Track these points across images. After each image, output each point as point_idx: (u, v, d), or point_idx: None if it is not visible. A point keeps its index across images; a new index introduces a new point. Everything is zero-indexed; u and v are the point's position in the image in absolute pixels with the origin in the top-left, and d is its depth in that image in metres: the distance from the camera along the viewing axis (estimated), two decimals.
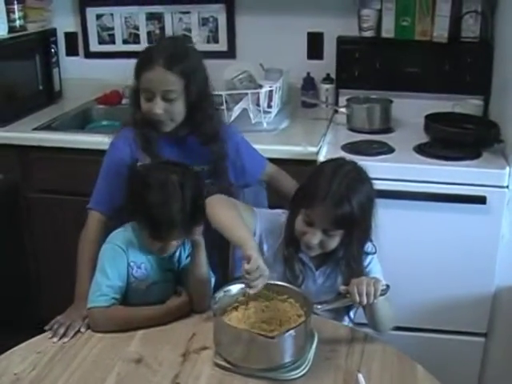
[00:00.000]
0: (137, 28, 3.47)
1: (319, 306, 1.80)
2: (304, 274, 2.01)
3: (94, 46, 3.54)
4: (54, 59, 3.39)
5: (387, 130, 2.92)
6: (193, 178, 1.95)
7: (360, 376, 1.66)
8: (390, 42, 3.04)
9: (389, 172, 2.53)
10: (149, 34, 3.46)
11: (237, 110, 2.87)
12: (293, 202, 2.00)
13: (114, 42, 3.52)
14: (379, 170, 2.52)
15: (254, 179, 2.40)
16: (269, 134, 2.84)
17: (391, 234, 2.48)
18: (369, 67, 3.07)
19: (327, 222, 1.87)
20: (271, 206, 2.38)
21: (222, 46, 3.38)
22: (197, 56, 2.21)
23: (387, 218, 2.48)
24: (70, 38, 3.55)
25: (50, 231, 2.99)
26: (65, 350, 1.82)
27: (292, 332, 1.66)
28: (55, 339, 1.85)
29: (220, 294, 1.82)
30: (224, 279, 2.14)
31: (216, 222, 1.95)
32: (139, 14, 3.45)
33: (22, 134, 2.96)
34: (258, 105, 2.89)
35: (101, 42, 3.53)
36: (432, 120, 2.78)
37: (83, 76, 3.51)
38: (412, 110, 2.94)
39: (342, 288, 1.80)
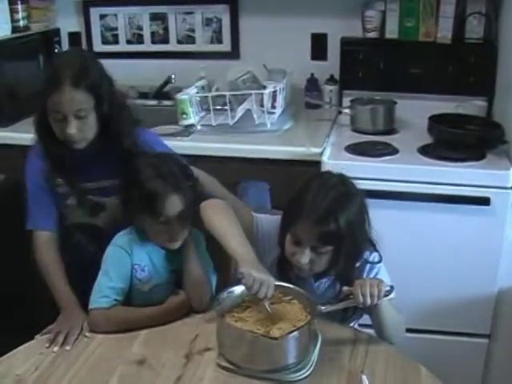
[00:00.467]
0: (140, 28, 3.46)
1: (323, 307, 1.78)
2: (300, 283, 1.97)
3: (98, 46, 3.54)
4: None
5: (391, 131, 2.92)
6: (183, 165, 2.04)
7: (364, 377, 1.65)
8: (393, 43, 3.03)
9: (393, 173, 2.54)
10: (152, 34, 3.45)
11: (240, 111, 2.87)
12: (281, 221, 1.94)
13: (117, 42, 3.51)
14: (383, 171, 2.54)
15: None
16: (272, 135, 2.84)
17: (394, 235, 2.49)
18: (372, 68, 3.07)
19: (313, 239, 1.82)
20: (275, 207, 2.37)
21: (225, 46, 3.38)
22: (98, 66, 2.13)
23: (391, 220, 2.51)
24: (74, 38, 3.55)
25: None
26: (67, 351, 1.82)
27: (295, 333, 1.65)
28: (56, 348, 1.82)
29: (223, 295, 1.82)
30: (224, 279, 2.13)
31: (211, 229, 1.93)
32: (143, 14, 3.44)
33: (25, 134, 2.92)
34: (261, 105, 2.88)
35: (104, 42, 3.53)
36: (436, 121, 2.77)
37: None
38: (416, 111, 2.93)
39: (346, 289, 1.79)
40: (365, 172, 2.51)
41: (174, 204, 1.93)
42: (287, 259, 1.92)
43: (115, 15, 3.48)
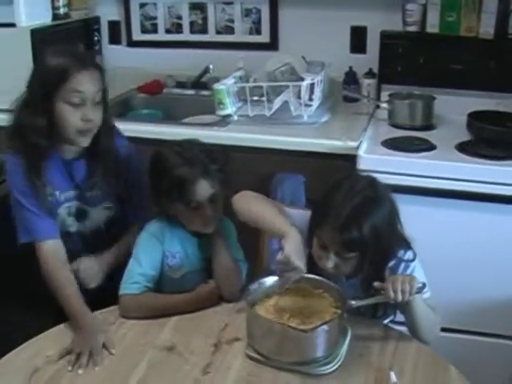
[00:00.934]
0: (179, 18, 3.46)
1: (353, 302, 1.77)
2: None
3: (137, 35, 3.55)
4: (96, 47, 3.43)
5: (429, 126, 2.87)
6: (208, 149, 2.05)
7: (392, 374, 1.63)
8: (434, 37, 2.98)
9: (429, 169, 2.50)
10: (191, 23, 3.45)
11: (277, 103, 2.86)
12: (310, 222, 1.92)
13: (156, 32, 3.52)
14: (419, 167, 2.51)
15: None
16: (309, 127, 2.82)
17: (429, 232, 2.47)
18: (412, 63, 3.01)
19: (337, 245, 1.79)
20: (309, 200, 2.36)
21: (264, 37, 3.36)
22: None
23: (425, 217, 2.48)
24: (114, 26, 3.58)
25: None
26: None
27: (325, 326, 1.65)
28: (80, 371, 1.68)
29: (254, 285, 1.82)
30: (254, 270, 2.13)
31: (249, 216, 1.94)
32: (182, 3, 3.44)
33: None
34: (299, 97, 2.86)
35: (143, 31, 3.54)
36: (475, 118, 2.73)
37: (125, 64, 3.51)
38: (455, 107, 2.89)
39: (377, 284, 1.77)
40: (401, 167, 2.50)
41: (204, 188, 1.94)
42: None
43: (155, 4, 3.49)
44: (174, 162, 1.95)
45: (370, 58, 3.16)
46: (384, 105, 2.95)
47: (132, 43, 3.57)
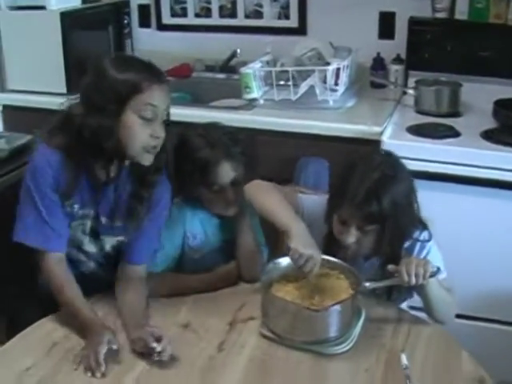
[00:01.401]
0: (209, 2, 3.47)
1: (367, 284, 1.79)
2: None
3: (167, 19, 3.58)
4: (126, 30, 3.46)
5: (455, 113, 2.86)
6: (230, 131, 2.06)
7: (403, 356, 1.65)
8: (463, 24, 2.97)
9: (453, 156, 2.51)
10: (221, 8, 3.47)
11: (304, 87, 2.87)
12: (328, 201, 1.95)
13: (186, 15, 3.54)
14: (443, 154, 2.52)
15: None
16: (334, 112, 2.83)
17: (452, 218, 2.48)
18: (440, 49, 3.01)
19: (357, 219, 1.82)
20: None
21: (292, 22, 3.36)
22: None
23: (448, 203, 2.49)
24: (143, 9, 3.60)
25: None
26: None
27: (337, 306, 1.67)
28: (98, 375, 1.61)
29: (270, 265, 1.84)
30: (274, 256, 2.15)
31: (258, 207, 1.97)
32: None
33: None
34: (324, 82, 2.87)
35: (173, 14, 3.56)
36: (501, 106, 2.71)
37: (155, 48, 3.51)
38: (483, 95, 2.86)
39: (391, 267, 1.78)
40: (424, 153, 2.50)
41: (226, 171, 1.95)
42: (335, 240, 1.93)
43: None
44: (197, 144, 1.97)
45: (398, 44, 3.15)
46: (410, 91, 2.95)
47: (162, 27, 3.60)
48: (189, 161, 1.97)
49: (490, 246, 2.54)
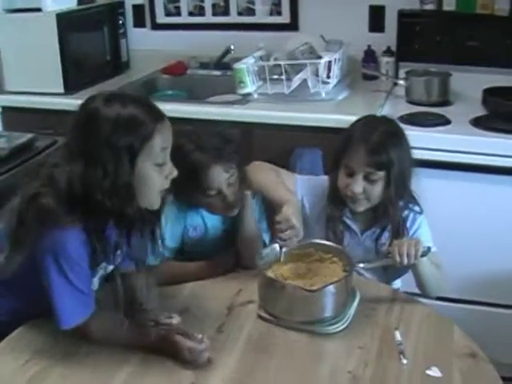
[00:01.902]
0: (202, 0, 3.52)
1: (361, 265, 1.85)
2: (346, 235, 2.07)
3: (161, 18, 3.63)
4: (121, 30, 3.51)
5: (445, 102, 2.92)
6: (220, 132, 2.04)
7: (397, 333, 1.71)
8: (451, 15, 3.01)
9: (444, 143, 2.57)
10: (214, 6, 3.52)
11: (296, 81, 2.92)
12: (333, 161, 2.06)
13: (179, 14, 3.59)
14: (434, 141, 2.57)
15: None
16: (326, 104, 2.88)
17: (445, 204, 2.53)
18: (429, 40, 3.05)
19: (365, 165, 1.94)
20: (327, 173, 2.42)
21: (284, 18, 3.42)
22: None
23: (441, 189, 2.54)
24: (138, 9, 3.65)
25: None
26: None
27: (331, 287, 1.72)
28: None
29: (267, 250, 1.90)
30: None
31: (257, 185, 2.04)
32: None
33: None
34: (317, 75, 2.92)
35: (167, 13, 3.61)
36: (490, 93, 2.78)
37: (150, 47, 3.61)
38: (472, 83, 2.91)
39: (385, 249, 1.85)
40: (416, 141, 2.47)
41: (218, 173, 1.93)
42: (338, 199, 2.04)
43: None
44: (186, 149, 1.93)
45: (389, 37, 3.20)
46: (401, 82, 3.01)
47: (156, 26, 3.65)
48: (181, 168, 1.82)
49: (482, 231, 2.60)
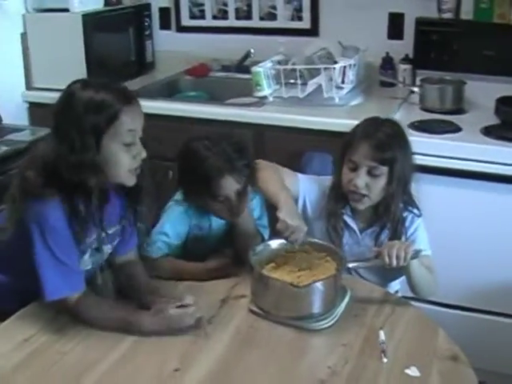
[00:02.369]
0: (225, 4, 3.60)
1: (351, 265, 1.90)
2: (345, 234, 2.12)
3: (186, 21, 3.72)
4: (147, 32, 3.60)
5: (459, 110, 2.94)
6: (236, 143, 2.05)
7: (381, 332, 1.74)
8: (468, 24, 3.04)
9: (453, 151, 2.58)
10: (237, 10, 3.59)
11: (311, 85, 2.98)
12: (338, 156, 2.13)
13: (204, 18, 3.67)
14: (443, 148, 2.59)
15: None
16: (339, 109, 2.92)
17: (453, 212, 2.56)
18: (446, 49, 3.07)
19: (370, 158, 2.00)
20: None
21: (305, 23, 3.47)
22: None
23: (450, 197, 2.57)
24: (164, 12, 3.75)
25: None
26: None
27: (319, 284, 1.77)
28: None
29: (260, 247, 1.96)
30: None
31: (258, 184, 2.09)
32: None
33: None
34: (331, 80, 2.97)
35: (192, 17, 3.69)
36: (503, 103, 2.78)
37: (174, 49, 3.70)
38: (487, 92, 2.92)
39: (375, 250, 1.90)
40: (425, 148, 2.57)
41: (230, 183, 1.97)
42: (340, 195, 2.10)
43: None
44: (201, 156, 1.97)
45: (407, 44, 3.22)
46: (415, 89, 3.03)
47: (181, 29, 3.74)
48: (193, 172, 1.99)
49: (490, 239, 2.61)
